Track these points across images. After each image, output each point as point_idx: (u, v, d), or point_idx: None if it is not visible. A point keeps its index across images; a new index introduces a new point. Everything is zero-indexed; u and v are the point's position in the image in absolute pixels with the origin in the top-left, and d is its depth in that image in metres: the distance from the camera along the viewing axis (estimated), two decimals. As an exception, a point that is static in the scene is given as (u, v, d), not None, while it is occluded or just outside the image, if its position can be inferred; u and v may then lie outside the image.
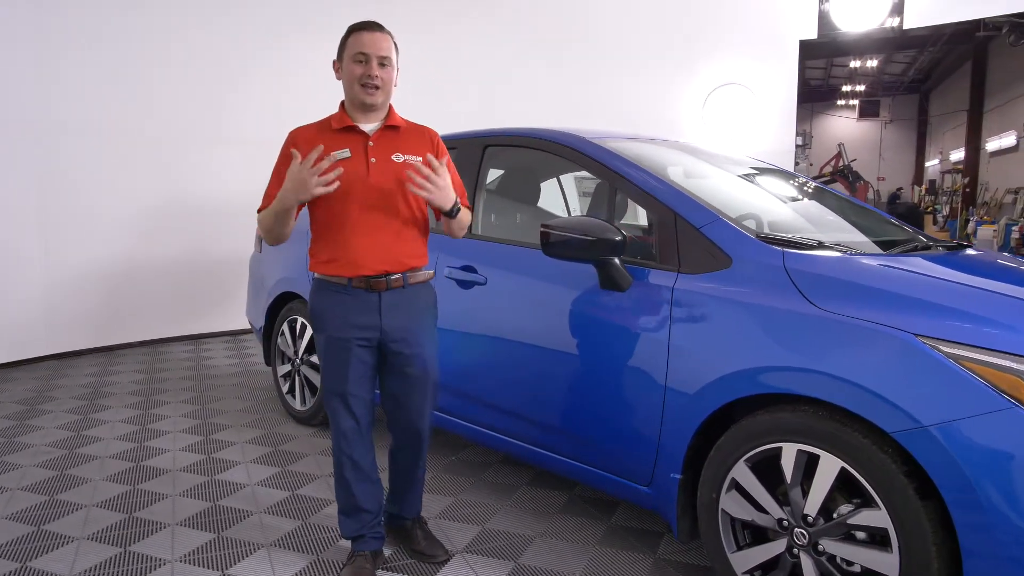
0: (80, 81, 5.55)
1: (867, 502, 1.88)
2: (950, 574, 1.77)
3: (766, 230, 2.61)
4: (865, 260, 2.21)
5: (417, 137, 2.38)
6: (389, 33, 2.30)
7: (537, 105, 7.04)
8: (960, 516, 1.72)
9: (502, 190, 3.65)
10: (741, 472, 2.11)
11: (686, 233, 2.35)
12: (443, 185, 2.22)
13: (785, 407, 2.03)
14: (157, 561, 2.53)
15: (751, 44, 7.18)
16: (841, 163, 20.36)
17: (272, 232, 2.29)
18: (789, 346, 2.01)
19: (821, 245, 2.32)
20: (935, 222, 18.35)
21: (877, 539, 1.90)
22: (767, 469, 2.08)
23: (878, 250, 2.53)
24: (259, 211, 2.35)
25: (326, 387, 2.38)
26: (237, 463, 3.46)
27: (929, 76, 26.81)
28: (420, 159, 2.31)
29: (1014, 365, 1.70)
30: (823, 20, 7.01)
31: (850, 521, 1.90)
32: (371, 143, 2.28)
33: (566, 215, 3.94)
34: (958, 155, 22.87)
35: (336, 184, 2.14)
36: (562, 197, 4.31)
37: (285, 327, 4.05)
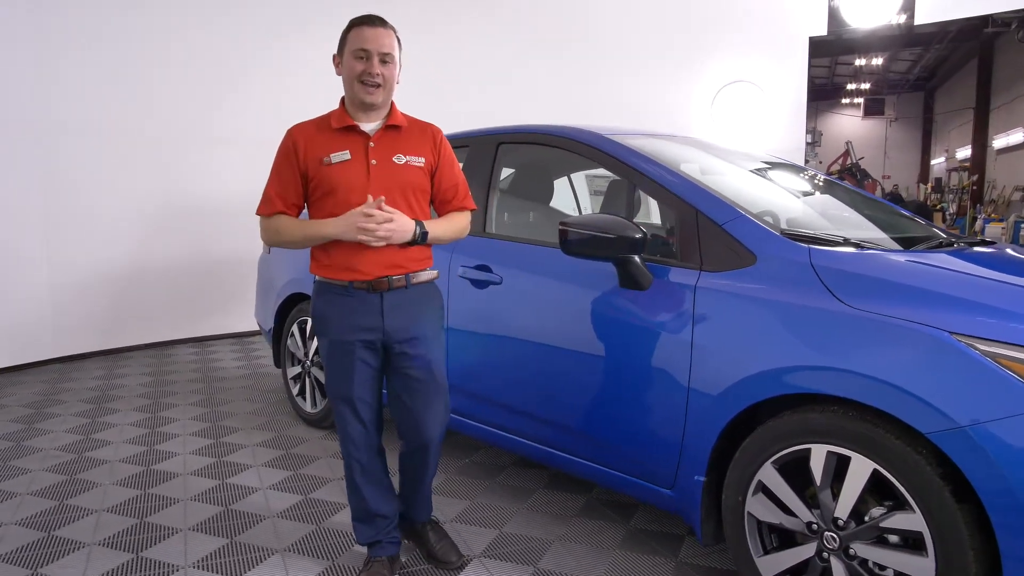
0: (81, 81, 5.52)
1: (900, 505, 1.83)
2: (989, 579, 1.72)
3: (783, 226, 2.56)
4: (893, 256, 2.16)
5: (419, 136, 2.30)
6: (392, 28, 2.22)
7: (540, 103, 6.98)
8: (999, 518, 1.67)
9: (516, 188, 3.60)
10: (768, 474, 2.06)
11: (708, 230, 2.30)
12: (393, 227, 2.13)
13: (813, 407, 1.98)
14: (170, 567, 2.49)
15: (760, 41, 7.13)
16: (849, 161, 20.27)
17: (292, 246, 2.29)
18: (818, 345, 1.96)
19: (847, 242, 2.26)
20: (944, 220, 18.27)
21: (911, 543, 1.85)
22: (794, 471, 2.03)
23: (902, 247, 2.48)
24: (259, 213, 2.28)
25: (331, 392, 2.32)
26: (248, 466, 3.42)
27: (934, 74, 26.70)
28: (423, 160, 2.26)
29: (1054, 363, 1.65)
30: (833, 16, 6.95)
31: (883, 524, 1.85)
32: (372, 144, 2.21)
33: (577, 214, 3.90)
34: (964, 153, 22.76)
35: (382, 243, 2.13)
36: (573, 196, 4.26)
37: (295, 328, 4.01)
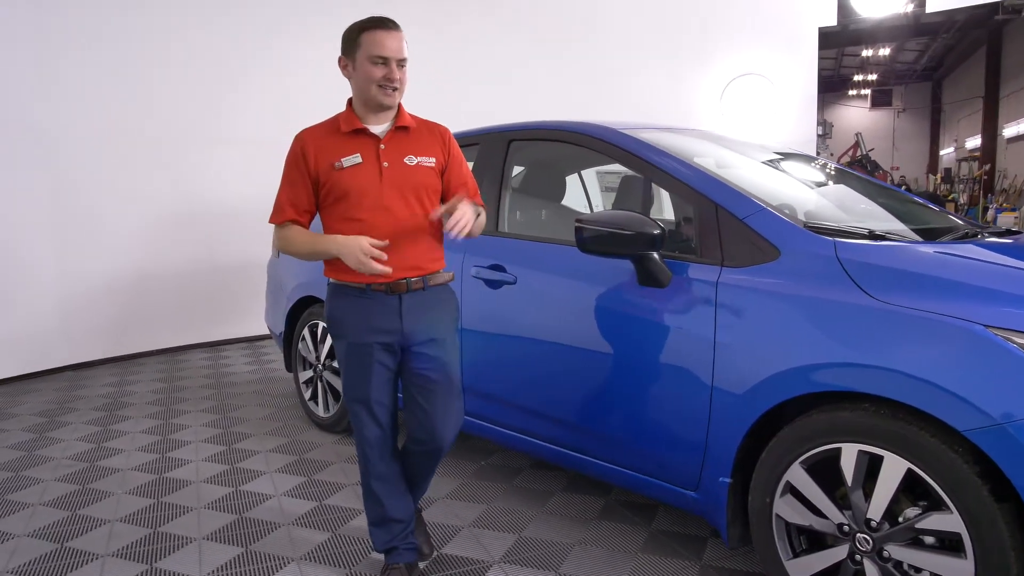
0: (82, 84, 5.47)
1: (935, 505, 1.77)
2: (1031, 580, 1.66)
3: (801, 218, 2.49)
4: (921, 248, 2.10)
5: (428, 136, 2.29)
6: (402, 30, 2.19)
7: (546, 100, 6.91)
8: (1042, 518, 1.61)
9: (528, 186, 3.55)
10: (796, 475, 2.00)
11: (729, 225, 2.24)
12: (470, 215, 2.09)
13: (843, 406, 1.92)
14: (185, 578, 2.45)
15: (769, 33, 7.06)
16: (859, 153, 20.09)
17: (298, 257, 2.28)
18: (846, 341, 1.90)
19: (872, 234, 2.20)
20: (955, 210, 18.12)
21: (948, 544, 1.79)
22: (824, 471, 1.97)
23: (926, 238, 2.41)
24: (271, 222, 2.26)
25: (348, 395, 2.29)
26: (262, 473, 3.38)
27: (942, 63, 26.52)
28: (433, 160, 2.24)
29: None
30: (842, 7, 6.86)
31: (919, 525, 1.79)
32: (382, 146, 2.19)
33: (590, 211, 3.84)
34: (973, 142, 22.59)
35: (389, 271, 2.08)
36: (584, 193, 4.20)
37: (306, 332, 3.96)
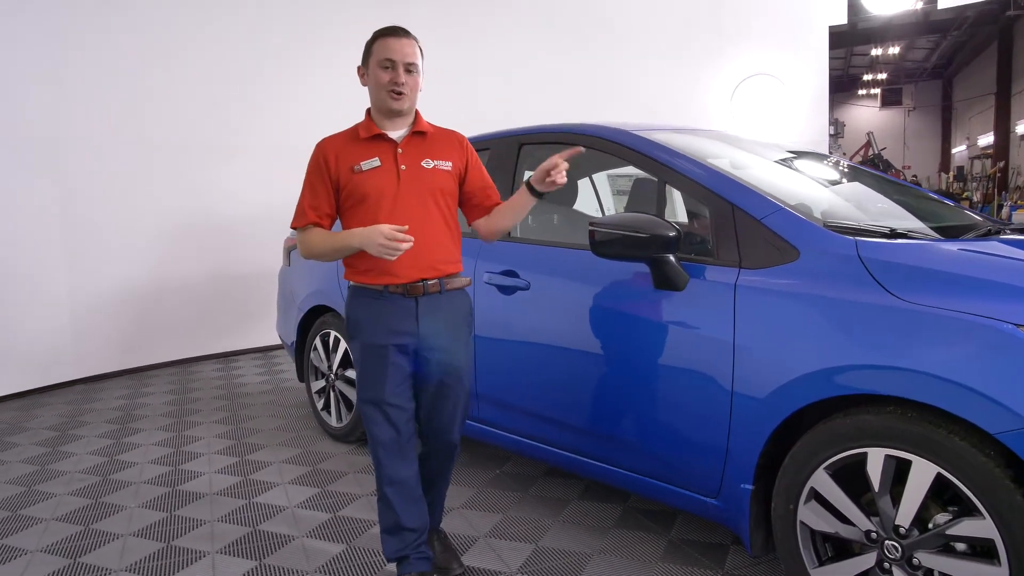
0: (91, 96, 5.47)
1: (967, 510, 1.72)
2: (1070, 587, 1.60)
3: (818, 216, 2.44)
4: (945, 246, 2.04)
5: (445, 141, 2.34)
6: (415, 38, 2.26)
7: (554, 102, 6.86)
8: (1079, 523, 1.55)
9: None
10: (821, 481, 1.94)
11: (746, 225, 2.20)
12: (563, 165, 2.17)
13: (868, 409, 1.86)
14: (198, 593, 2.42)
15: (779, 33, 7.00)
16: (871, 152, 19.94)
17: (323, 259, 2.30)
18: (871, 343, 1.85)
19: (893, 232, 2.15)
20: (970, 208, 17.96)
21: (980, 550, 1.73)
22: (849, 477, 1.92)
23: (947, 236, 2.36)
24: (293, 226, 2.33)
25: (362, 397, 2.29)
26: (275, 484, 3.35)
27: (952, 61, 26.36)
28: (450, 164, 2.30)
29: None
30: (853, 4, 6.81)
31: (950, 532, 1.73)
32: (400, 150, 2.25)
33: (601, 215, 3.80)
34: (986, 140, 22.41)
35: (397, 255, 2.09)
36: (596, 196, 4.16)
37: (318, 341, 3.94)
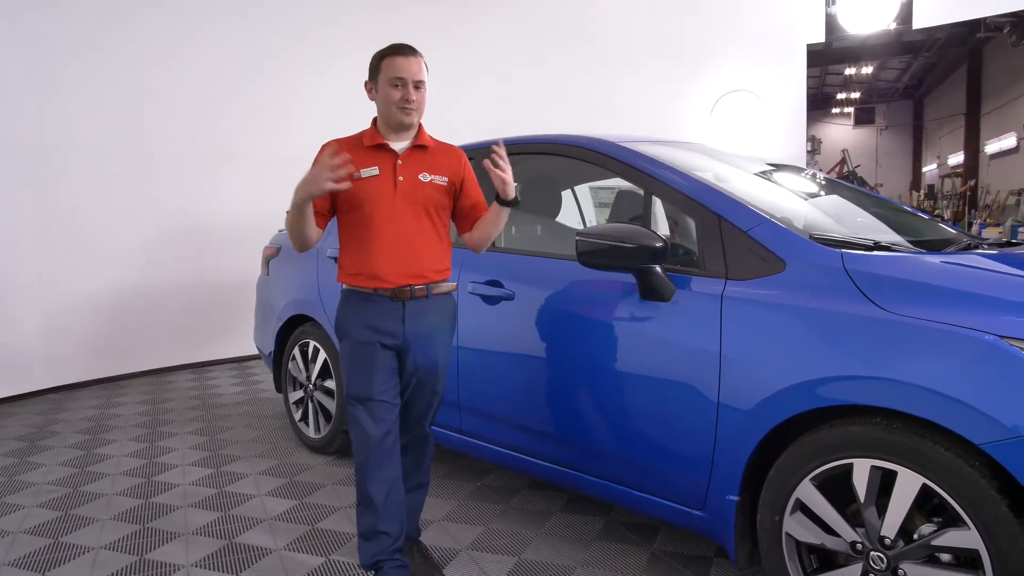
0: (77, 101, 5.40)
1: (952, 521, 1.72)
2: (1054, 598, 1.61)
3: (800, 227, 2.46)
4: (929, 259, 2.06)
5: (445, 157, 2.42)
6: (421, 55, 2.34)
7: (535, 113, 6.85)
8: (1064, 534, 1.56)
9: (524, 201, 3.48)
10: (806, 492, 1.94)
11: (732, 237, 2.20)
12: (511, 176, 2.29)
13: (854, 420, 1.87)
14: (173, 607, 2.35)
15: (758, 50, 7.08)
16: (845, 169, 20.23)
17: (295, 230, 2.28)
18: (856, 354, 1.85)
19: (878, 245, 2.17)
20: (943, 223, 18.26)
21: (965, 561, 1.74)
22: (835, 488, 1.92)
23: (928, 250, 2.38)
24: (287, 212, 2.37)
25: (349, 394, 2.32)
26: (251, 496, 3.29)
27: (922, 82, 26.87)
28: (445, 179, 2.37)
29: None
30: (830, 23, 6.91)
31: (935, 542, 1.74)
32: (400, 162, 2.31)
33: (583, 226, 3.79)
34: (956, 159, 22.83)
35: (347, 184, 2.17)
36: (578, 208, 4.16)
37: (296, 351, 3.88)
